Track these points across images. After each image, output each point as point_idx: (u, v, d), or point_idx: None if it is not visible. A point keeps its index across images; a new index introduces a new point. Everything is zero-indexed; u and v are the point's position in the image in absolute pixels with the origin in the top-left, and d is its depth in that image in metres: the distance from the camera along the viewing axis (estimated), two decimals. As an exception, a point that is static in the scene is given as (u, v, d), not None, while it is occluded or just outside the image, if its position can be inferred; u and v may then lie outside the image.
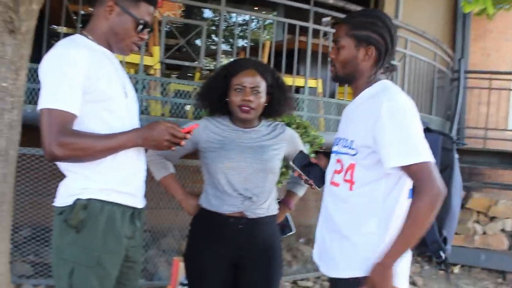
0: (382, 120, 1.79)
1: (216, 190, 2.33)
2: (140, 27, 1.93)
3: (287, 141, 2.43)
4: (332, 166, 2.02)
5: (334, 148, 2.04)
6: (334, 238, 1.96)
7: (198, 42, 7.72)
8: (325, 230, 2.02)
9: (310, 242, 5.53)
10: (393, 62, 5.66)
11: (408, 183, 1.87)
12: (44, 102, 1.76)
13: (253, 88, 2.30)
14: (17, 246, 4.18)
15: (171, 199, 4.48)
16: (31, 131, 3.18)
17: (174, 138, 1.84)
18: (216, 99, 2.39)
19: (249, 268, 2.35)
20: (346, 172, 1.92)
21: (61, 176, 1.91)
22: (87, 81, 1.78)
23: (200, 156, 2.40)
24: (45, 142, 1.74)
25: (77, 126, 1.79)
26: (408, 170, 1.77)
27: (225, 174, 2.29)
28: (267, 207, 2.37)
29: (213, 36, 10.72)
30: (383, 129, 1.79)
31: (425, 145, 1.78)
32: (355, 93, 2.02)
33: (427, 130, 1.94)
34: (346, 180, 1.91)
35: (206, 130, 2.36)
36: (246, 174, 2.30)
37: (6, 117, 2.52)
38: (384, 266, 1.78)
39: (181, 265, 2.83)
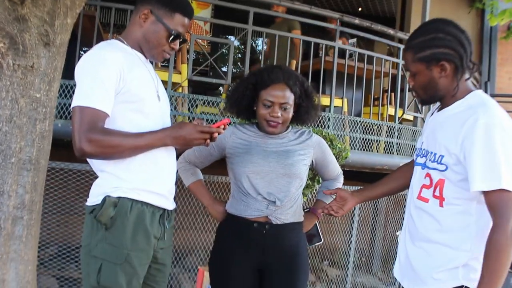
0: (475, 137, 1.67)
1: (241, 195, 2.33)
2: (172, 37, 1.97)
3: (313, 147, 2.42)
4: (419, 179, 1.91)
5: (420, 160, 1.93)
6: (420, 254, 1.86)
7: (224, 69, 7.81)
8: (411, 245, 1.91)
9: (334, 264, 5.46)
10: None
11: None
12: (77, 100, 1.80)
13: (282, 104, 2.30)
14: (44, 264, 4.22)
15: (194, 219, 4.51)
16: (60, 146, 3.24)
17: (204, 134, 1.85)
18: (244, 107, 2.40)
19: (274, 274, 2.32)
20: (435, 187, 1.81)
21: (87, 194, 1.93)
22: (119, 82, 1.82)
23: (227, 162, 2.42)
24: (75, 138, 1.76)
25: (108, 125, 1.82)
26: (488, 197, 1.65)
27: (249, 178, 2.29)
28: (293, 213, 2.34)
29: (239, 63, 10.86)
30: (475, 148, 1.67)
31: None
32: (443, 105, 1.91)
33: None
34: (435, 196, 1.81)
35: (233, 136, 2.38)
36: (269, 178, 2.29)
37: (38, 127, 2.56)
38: None
39: (206, 275, 2.81)
